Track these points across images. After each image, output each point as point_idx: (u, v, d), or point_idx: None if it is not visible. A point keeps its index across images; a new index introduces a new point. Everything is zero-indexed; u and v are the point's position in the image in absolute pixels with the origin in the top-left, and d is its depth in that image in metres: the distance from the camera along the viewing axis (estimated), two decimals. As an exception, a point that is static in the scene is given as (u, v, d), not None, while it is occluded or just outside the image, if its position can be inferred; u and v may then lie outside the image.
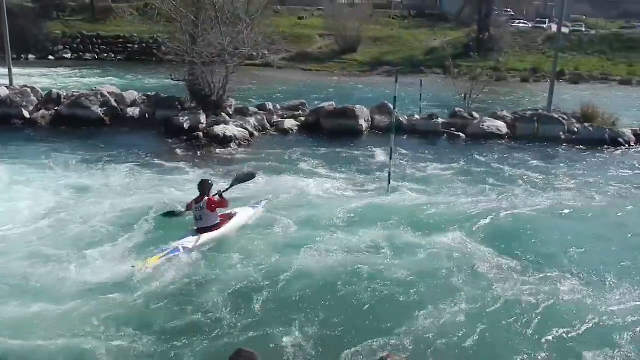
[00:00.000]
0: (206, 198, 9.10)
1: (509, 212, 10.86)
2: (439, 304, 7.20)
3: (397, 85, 10.30)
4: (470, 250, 8.91)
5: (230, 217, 9.64)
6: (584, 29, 54.35)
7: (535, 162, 15.73)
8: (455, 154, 16.51)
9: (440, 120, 19.44)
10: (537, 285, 7.85)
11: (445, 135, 18.70)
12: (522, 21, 56.57)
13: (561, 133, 18.34)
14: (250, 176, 10.73)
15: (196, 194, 9.30)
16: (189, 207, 9.32)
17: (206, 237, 8.95)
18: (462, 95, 22.17)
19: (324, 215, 10.30)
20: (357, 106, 19.21)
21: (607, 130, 18.39)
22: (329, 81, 36.70)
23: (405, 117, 19.41)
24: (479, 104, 22.52)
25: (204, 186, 9.19)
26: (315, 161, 14.91)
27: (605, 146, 17.77)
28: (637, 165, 15.71)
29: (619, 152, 17.50)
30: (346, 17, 48.91)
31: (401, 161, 14.75)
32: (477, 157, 16.08)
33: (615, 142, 18.04)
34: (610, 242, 9.73)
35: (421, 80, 21.68)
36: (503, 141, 18.31)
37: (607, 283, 8.07)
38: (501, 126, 18.94)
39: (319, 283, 7.75)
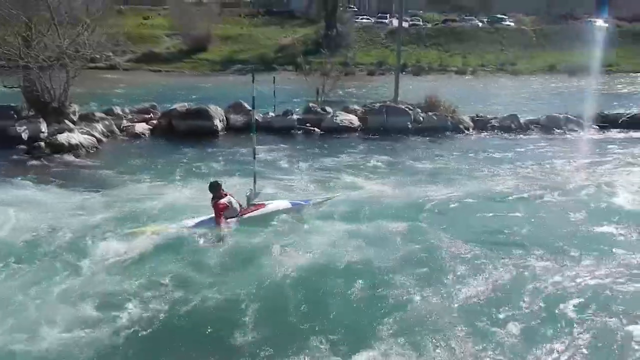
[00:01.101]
0: (214, 201, 9.44)
1: (373, 196, 11.18)
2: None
3: (254, 85, 10.14)
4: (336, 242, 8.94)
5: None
6: (421, 23, 58.03)
7: (386, 150, 16.49)
8: (311, 148, 16.74)
9: (295, 116, 19.67)
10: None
11: (301, 131, 18.97)
12: (365, 17, 59.08)
13: (408, 123, 19.31)
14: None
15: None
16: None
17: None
18: (315, 90, 22.62)
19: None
20: (211, 106, 18.85)
21: (449, 118, 19.69)
22: (179, 82, 35.72)
23: (260, 115, 19.38)
24: (332, 98, 23.11)
25: (213, 188, 9.52)
26: (169, 167, 14.16)
27: (448, 133, 19.04)
28: (475, 148, 16.99)
29: (461, 137, 18.83)
30: (193, 16, 47.94)
31: (261, 161, 14.56)
32: (333, 150, 16.38)
33: (456, 129, 19.40)
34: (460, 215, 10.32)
35: (274, 78, 21.78)
36: (356, 134, 18.97)
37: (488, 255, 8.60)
38: (353, 119, 19.59)
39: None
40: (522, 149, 17.12)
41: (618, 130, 19.79)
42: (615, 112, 21.42)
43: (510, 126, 19.80)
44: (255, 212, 9.82)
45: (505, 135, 19.20)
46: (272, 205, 10.15)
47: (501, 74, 45.19)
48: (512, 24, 60.06)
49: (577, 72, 44.89)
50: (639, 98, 29.88)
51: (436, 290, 7.32)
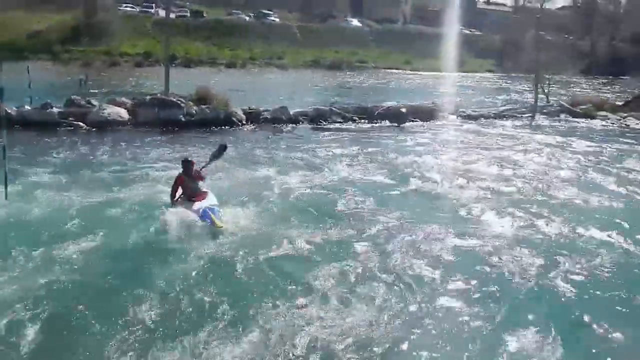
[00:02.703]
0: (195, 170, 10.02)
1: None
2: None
3: (1, 75, 8.95)
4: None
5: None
6: (189, 15, 57.34)
7: (156, 145, 15.85)
8: (75, 145, 15.43)
9: (55, 109, 17.98)
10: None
11: (64, 125, 17.42)
12: (129, 5, 56.45)
13: (181, 116, 18.93)
14: (222, 149, 11.01)
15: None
16: (179, 183, 9.90)
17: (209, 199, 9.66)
18: (78, 81, 20.99)
19: None
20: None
21: (222, 110, 19.76)
22: None
23: (14, 108, 17.32)
24: (97, 89, 21.65)
25: (188, 164, 10.01)
26: None
27: (221, 126, 19.10)
28: (249, 140, 17.35)
29: (234, 130, 19.03)
30: None
31: (16, 160, 12.97)
32: (98, 147, 15.29)
33: (229, 121, 19.55)
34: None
35: (28, 67, 19.65)
36: (126, 127, 18.03)
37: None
38: (122, 112, 18.59)
39: None
40: (292, 139, 17.93)
41: (375, 121, 21.76)
42: (372, 105, 23.51)
43: (281, 118, 20.61)
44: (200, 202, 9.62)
45: (277, 127, 19.91)
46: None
47: (270, 67, 46.86)
48: (277, 19, 62.53)
49: (338, 67, 48.53)
50: (392, 91, 33.36)
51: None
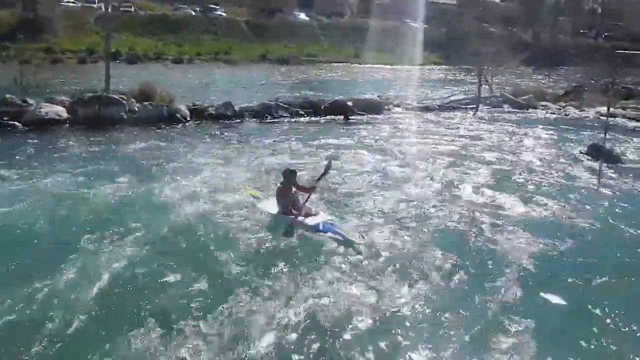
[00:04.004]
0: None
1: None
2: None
3: None
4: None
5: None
6: (132, 9, 56.09)
7: (94, 144, 15.43)
8: (10, 147, 14.89)
9: (-12, 109, 17.32)
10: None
11: (-1, 125, 16.83)
12: (70, 0, 54.83)
13: (123, 113, 18.46)
14: (328, 166, 9.97)
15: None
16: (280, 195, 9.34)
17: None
18: (13, 79, 20.26)
19: None
20: None
21: (165, 107, 19.42)
22: None
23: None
24: (36, 88, 20.94)
25: (292, 175, 9.39)
26: None
27: (164, 123, 18.71)
28: (191, 136, 17.13)
29: (177, 127, 18.73)
30: None
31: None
32: (36, 146, 14.83)
33: (173, 118, 19.22)
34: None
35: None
36: (65, 126, 17.53)
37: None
38: (60, 111, 18.02)
39: None
40: (235, 135, 17.79)
41: (322, 115, 21.78)
42: (319, 99, 23.56)
43: (226, 114, 20.40)
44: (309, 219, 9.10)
45: (222, 122, 19.70)
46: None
47: (217, 63, 46.36)
48: (224, 14, 61.86)
49: (286, 61, 48.40)
50: (340, 85, 33.49)
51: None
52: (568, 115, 24.87)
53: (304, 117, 21.52)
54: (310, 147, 15.88)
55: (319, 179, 9.71)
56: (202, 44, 50.95)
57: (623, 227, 9.88)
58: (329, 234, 8.65)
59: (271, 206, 9.59)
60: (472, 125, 21.16)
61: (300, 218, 9.01)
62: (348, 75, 43.07)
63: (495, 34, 45.53)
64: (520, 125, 21.44)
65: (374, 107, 23.25)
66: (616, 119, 22.50)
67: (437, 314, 6.58)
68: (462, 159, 14.93)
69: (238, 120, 20.22)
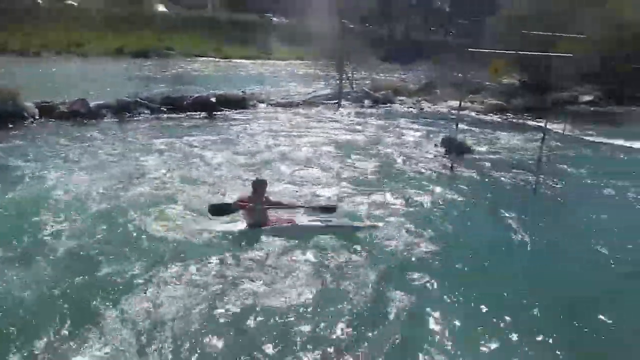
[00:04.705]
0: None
1: None
2: None
3: None
4: None
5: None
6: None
7: None
8: None
9: None
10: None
11: None
12: None
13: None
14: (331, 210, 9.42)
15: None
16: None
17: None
18: None
19: None
20: None
21: (10, 103, 17.78)
22: None
23: None
24: None
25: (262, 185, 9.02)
26: None
27: (7, 122, 17.13)
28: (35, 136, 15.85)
29: (24, 127, 17.24)
30: None
31: None
32: None
33: (19, 116, 17.68)
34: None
35: None
36: None
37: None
38: None
39: None
40: (93, 135, 16.73)
41: (185, 112, 21.10)
42: (181, 95, 22.80)
43: (80, 111, 19.10)
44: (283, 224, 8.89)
45: (76, 120, 18.44)
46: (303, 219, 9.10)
47: (69, 56, 43.35)
48: (75, 3, 58.06)
49: (143, 55, 46.42)
50: (203, 79, 32.66)
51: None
52: (423, 109, 26.28)
53: (166, 113, 20.74)
54: (175, 146, 15.32)
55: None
56: (49, 36, 47.26)
57: (471, 213, 10.67)
58: (334, 223, 8.92)
59: (227, 224, 9.03)
60: (334, 120, 21.68)
61: (285, 221, 8.99)
62: (211, 70, 42.23)
63: (354, 29, 46.87)
64: (379, 119, 22.34)
65: (238, 103, 23.02)
66: (466, 112, 24.15)
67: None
68: (323, 153, 15.22)
69: (94, 119, 19.00)
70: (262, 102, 24.38)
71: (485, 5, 51.82)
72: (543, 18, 29.15)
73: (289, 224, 8.96)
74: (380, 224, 9.30)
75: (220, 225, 8.99)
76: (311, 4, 68.54)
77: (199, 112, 21.24)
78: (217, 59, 50.89)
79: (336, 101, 25.94)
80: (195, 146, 15.48)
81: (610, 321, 6.89)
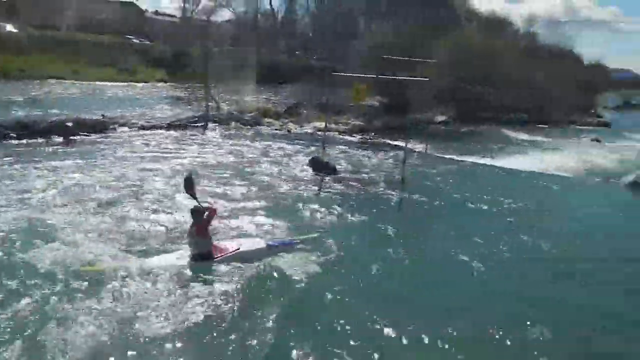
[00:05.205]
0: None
1: None
2: None
3: None
4: None
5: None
6: None
7: None
8: None
9: None
10: None
11: None
12: None
13: None
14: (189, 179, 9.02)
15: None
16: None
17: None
18: None
19: None
20: None
21: None
22: None
23: None
24: None
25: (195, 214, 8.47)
26: None
27: None
28: None
29: None
30: None
31: None
32: None
33: None
34: None
35: None
36: None
37: None
38: None
39: None
40: None
41: (39, 137, 19.48)
42: (34, 120, 21.08)
43: None
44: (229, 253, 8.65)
45: None
46: (247, 245, 9.05)
47: None
48: None
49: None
50: (58, 103, 30.47)
51: None
52: (290, 131, 26.60)
53: (17, 139, 19.04)
54: (20, 174, 14.00)
55: (196, 198, 8.76)
56: None
57: (341, 230, 10.89)
58: (280, 246, 9.22)
59: (169, 257, 8.49)
60: (201, 142, 21.22)
61: (230, 247, 8.82)
62: (69, 93, 39.71)
63: (219, 52, 46.57)
64: (248, 141, 22.26)
65: (97, 127, 21.82)
66: (332, 133, 24.80)
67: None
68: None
69: None
70: (124, 125, 23.29)
71: (348, 30, 53.99)
72: (401, 44, 30.94)
73: (235, 250, 8.78)
74: (316, 234, 9.96)
75: (164, 259, 8.50)
76: (175, 27, 67.45)
77: (54, 137, 19.71)
78: (75, 81, 48.02)
79: (203, 124, 25.45)
80: (49, 171, 14.30)
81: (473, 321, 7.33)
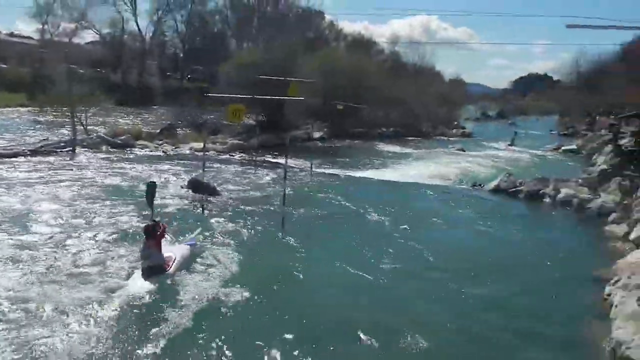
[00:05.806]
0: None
1: None
2: None
3: None
4: None
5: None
6: None
7: None
8: None
9: None
10: None
11: None
12: None
13: None
14: (152, 186, 9.72)
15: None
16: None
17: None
18: None
19: None
20: None
21: None
22: None
23: None
24: None
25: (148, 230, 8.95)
26: None
27: None
28: None
29: None
30: None
31: None
32: None
33: None
34: None
35: None
36: None
37: None
38: None
39: None
40: None
41: None
42: None
43: None
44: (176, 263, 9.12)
45: None
46: (178, 252, 9.54)
47: None
48: None
49: None
50: None
51: None
52: (166, 152, 25.81)
53: None
54: None
55: (152, 209, 9.67)
56: None
57: (226, 252, 10.78)
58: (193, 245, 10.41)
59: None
60: (68, 169, 19.83)
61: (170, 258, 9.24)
62: None
63: (84, 75, 44.27)
64: (121, 164, 21.32)
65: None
66: (211, 152, 24.42)
67: None
68: (56, 204, 13.85)
69: None
70: (-19, 153, 21.32)
71: (218, 51, 53.76)
72: (272, 61, 31.32)
73: (174, 260, 9.26)
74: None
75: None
76: (33, 49, 63.33)
77: None
78: None
79: (70, 148, 23.95)
80: None
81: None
